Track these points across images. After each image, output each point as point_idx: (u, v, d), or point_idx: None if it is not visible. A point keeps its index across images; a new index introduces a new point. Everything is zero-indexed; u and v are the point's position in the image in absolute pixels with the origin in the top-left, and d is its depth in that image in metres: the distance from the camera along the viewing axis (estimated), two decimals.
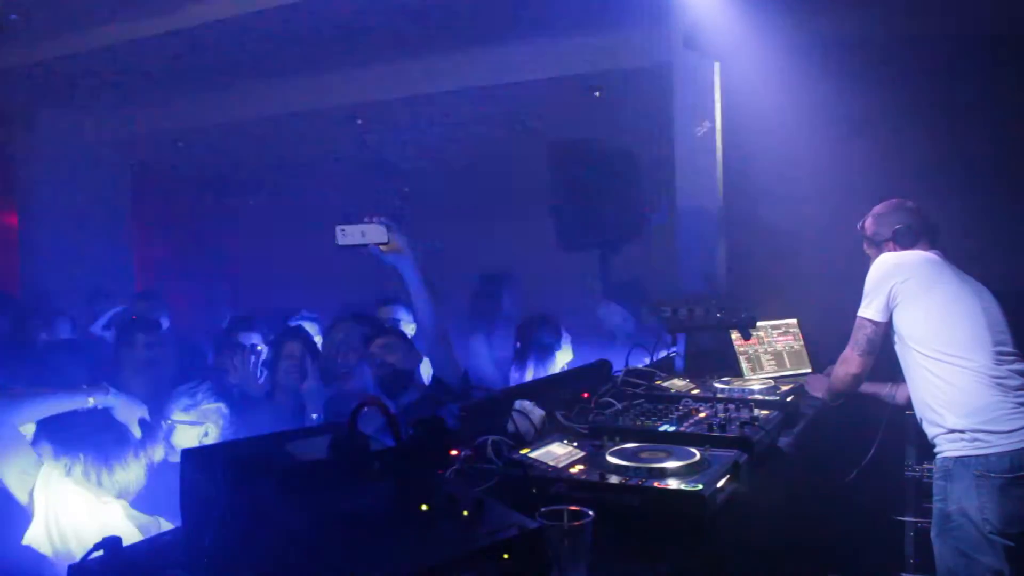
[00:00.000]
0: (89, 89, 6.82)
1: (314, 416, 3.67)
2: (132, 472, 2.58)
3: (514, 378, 4.36)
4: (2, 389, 2.96)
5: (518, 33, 5.78)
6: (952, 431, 2.80)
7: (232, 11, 5.45)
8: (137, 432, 2.73)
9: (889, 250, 3.08)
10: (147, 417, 2.87)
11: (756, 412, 2.57)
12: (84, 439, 2.52)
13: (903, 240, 3.06)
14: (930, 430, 2.91)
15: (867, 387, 3.19)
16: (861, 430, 3.30)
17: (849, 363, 3.05)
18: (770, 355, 3.84)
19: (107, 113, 7.80)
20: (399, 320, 4.76)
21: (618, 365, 3.37)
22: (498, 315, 4.96)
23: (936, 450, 2.89)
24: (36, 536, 2.33)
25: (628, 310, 4.74)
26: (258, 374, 3.92)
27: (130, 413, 2.80)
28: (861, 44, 3.97)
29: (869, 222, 3.19)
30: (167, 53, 5.96)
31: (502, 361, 4.68)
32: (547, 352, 4.39)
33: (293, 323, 5.06)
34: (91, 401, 2.71)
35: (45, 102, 7.57)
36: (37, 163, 8.02)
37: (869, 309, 2.98)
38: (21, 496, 2.38)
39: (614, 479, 1.87)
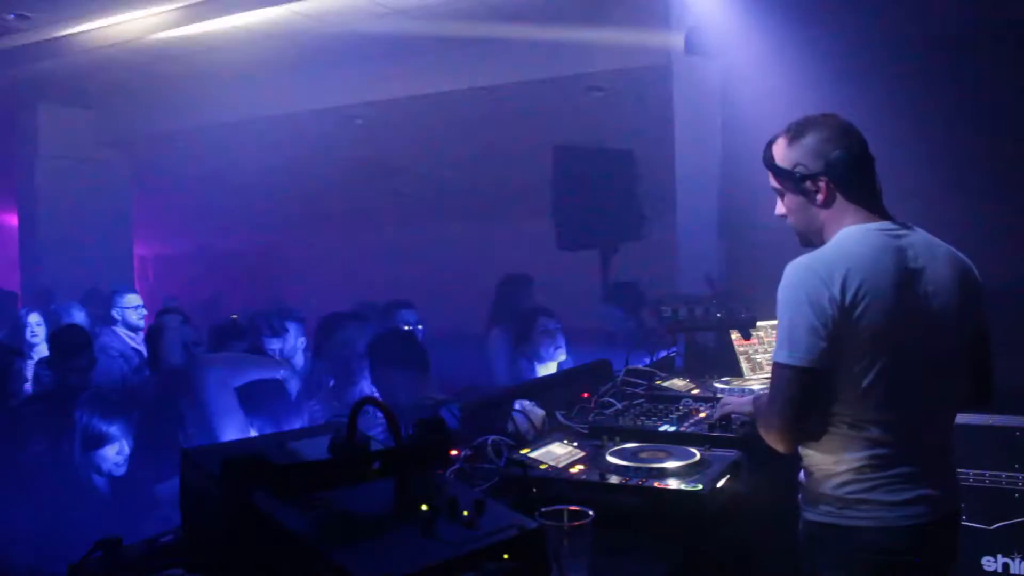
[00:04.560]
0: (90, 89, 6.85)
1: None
2: None
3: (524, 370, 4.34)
4: (216, 357, 3.15)
5: (518, 33, 5.78)
6: None
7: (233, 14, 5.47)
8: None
9: None
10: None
11: None
12: (271, 406, 2.72)
13: None
14: None
15: None
16: None
17: None
18: (770, 355, 3.82)
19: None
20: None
21: (618, 365, 3.36)
22: (516, 314, 4.95)
23: None
24: None
25: (627, 310, 4.73)
26: None
27: (295, 387, 3.09)
28: (860, 45, 3.97)
29: None
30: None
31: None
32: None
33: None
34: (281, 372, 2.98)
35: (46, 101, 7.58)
36: (37, 163, 8.04)
37: None
38: None
39: (614, 479, 1.87)
